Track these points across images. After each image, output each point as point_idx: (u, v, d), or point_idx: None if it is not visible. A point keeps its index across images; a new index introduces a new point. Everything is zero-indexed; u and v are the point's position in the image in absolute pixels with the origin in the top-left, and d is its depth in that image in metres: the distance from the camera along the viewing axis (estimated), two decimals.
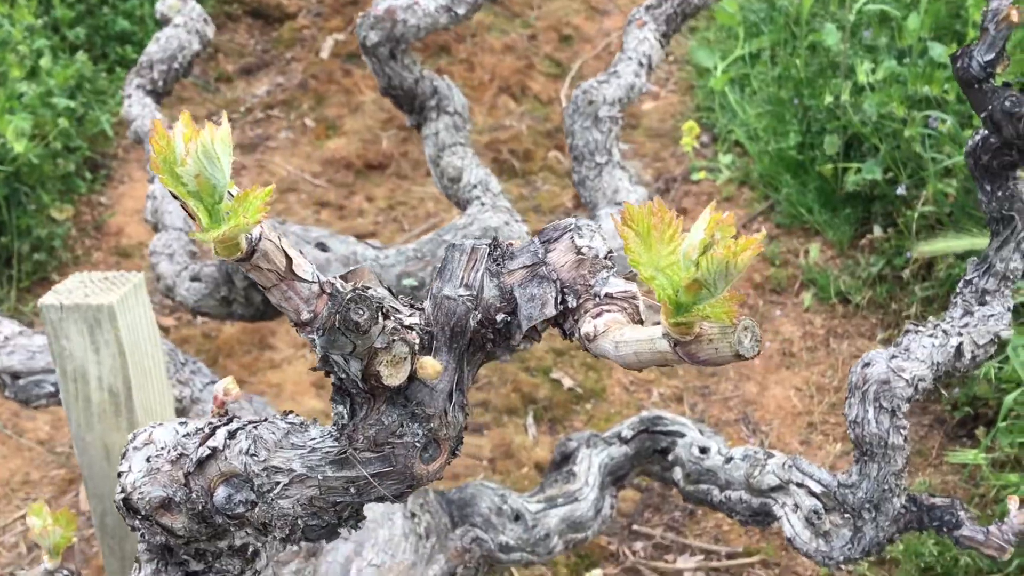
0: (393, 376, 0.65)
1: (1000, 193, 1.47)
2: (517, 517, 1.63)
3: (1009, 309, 1.49)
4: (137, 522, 0.74)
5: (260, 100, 4.31)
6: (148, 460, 0.74)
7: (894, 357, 1.42)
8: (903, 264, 3.28)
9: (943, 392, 3.00)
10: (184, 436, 0.75)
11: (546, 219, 3.84)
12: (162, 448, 0.75)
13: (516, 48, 4.60)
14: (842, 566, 1.50)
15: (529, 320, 0.69)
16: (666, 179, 4.11)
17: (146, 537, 0.75)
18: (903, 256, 3.26)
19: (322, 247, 1.66)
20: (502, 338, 0.71)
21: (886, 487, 1.38)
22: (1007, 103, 1.36)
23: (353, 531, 0.70)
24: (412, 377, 0.67)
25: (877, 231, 3.50)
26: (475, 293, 0.69)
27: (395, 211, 3.81)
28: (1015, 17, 1.35)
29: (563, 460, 1.74)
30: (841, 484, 1.47)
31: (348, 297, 0.61)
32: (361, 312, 0.61)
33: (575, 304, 0.67)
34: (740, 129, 4.10)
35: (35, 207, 3.21)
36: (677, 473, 1.65)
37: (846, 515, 1.45)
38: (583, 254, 0.67)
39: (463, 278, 0.69)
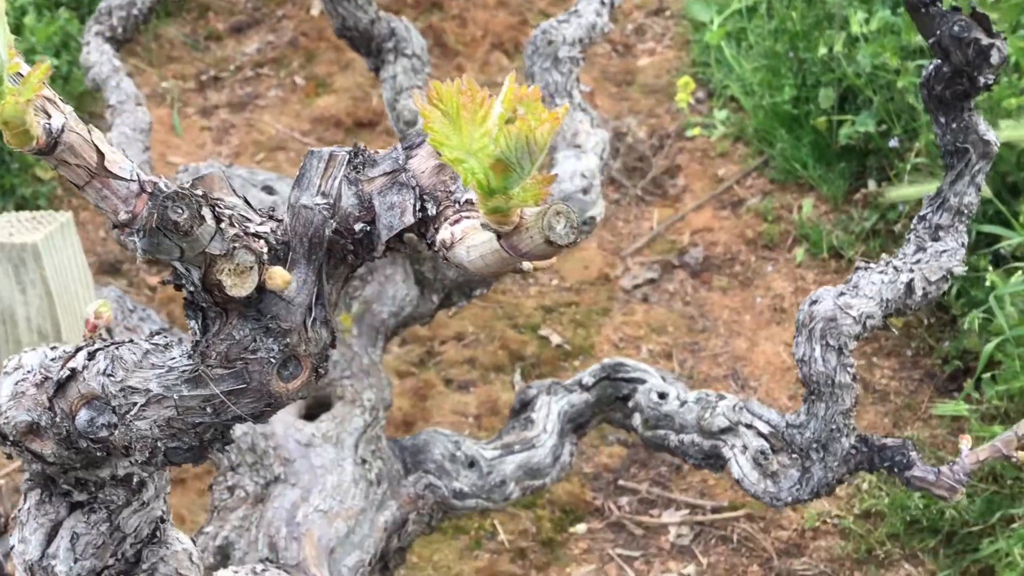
0: (238, 287, 0.62)
1: (955, 125, 1.42)
2: (472, 464, 1.61)
3: (963, 245, 1.45)
4: (8, 448, 0.73)
5: (250, 58, 4.27)
6: (16, 384, 0.72)
7: (842, 294, 1.39)
8: (896, 218, 3.23)
9: (933, 345, 2.96)
10: (51, 360, 0.73)
11: None
12: (29, 371, 0.73)
13: (509, 3, 4.54)
14: (796, 506, 1.46)
15: (389, 229, 0.66)
16: (660, 135, 4.05)
17: (27, 467, 0.73)
18: (897, 210, 3.20)
19: (268, 190, 1.63)
20: (364, 249, 0.67)
21: (834, 427, 1.35)
22: (955, 28, 1.31)
23: (222, 454, 0.68)
24: (263, 289, 0.64)
25: (872, 185, 3.44)
26: (332, 202, 0.66)
27: None
28: None
29: (522, 407, 1.72)
30: (789, 424, 1.44)
31: (167, 195, 0.58)
32: (180, 211, 0.58)
33: (435, 212, 0.64)
34: (736, 84, 4.03)
35: (19, 166, 3.20)
36: (636, 419, 1.63)
37: (794, 456, 1.42)
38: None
39: (320, 186, 0.66)
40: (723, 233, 3.54)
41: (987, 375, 2.49)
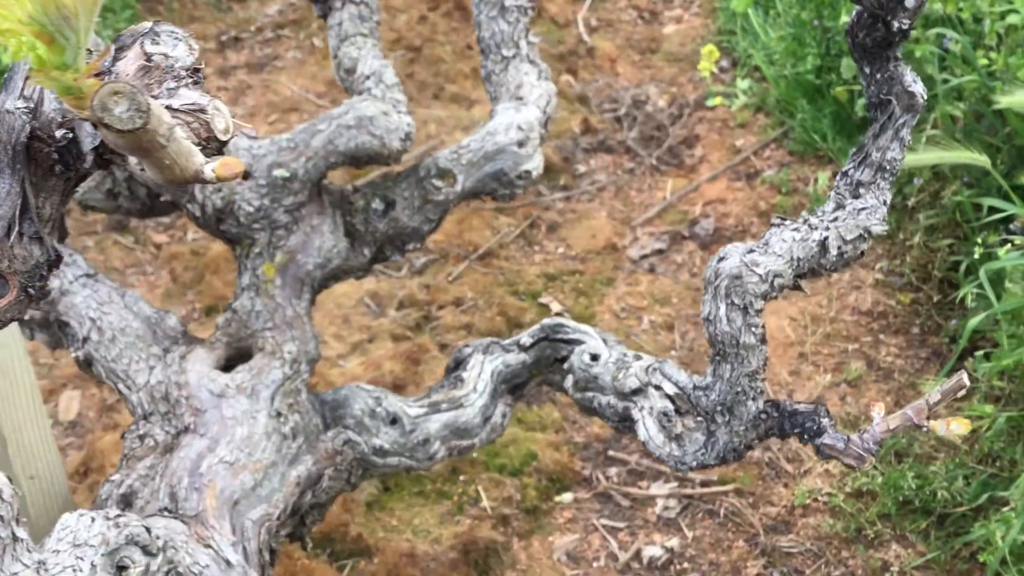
0: None
1: (879, 76, 1.35)
2: (394, 420, 1.59)
3: (885, 203, 1.39)
4: None
5: (271, 19, 4.26)
6: None
7: (751, 251, 1.33)
8: (913, 192, 3.14)
9: (941, 323, 2.88)
10: None
11: (551, 144, 3.75)
12: None
13: None
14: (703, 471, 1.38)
15: (92, 138, 0.62)
16: (680, 104, 3.98)
17: None
18: (913, 184, 3.11)
19: None
20: (73, 159, 0.64)
21: (739, 389, 1.30)
22: None
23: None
24: None
25: (950, 150, 3.34)
26: (33, 106, 0.63)
27: None
28: None
29: (456, 366, 1.68)
30: (696, 387, 1.39)
31: None
32: None
33: None
34: (760, 53, 3.94)
35: None
36: (568, 381, 1.59)
37: (699, 419, 1.37)
38: (152, 62, 0.60)
39: (23, 90, 0.63)
40: (736, 205, 3.47)
41: (979, 352, 2.41)
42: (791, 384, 2.85)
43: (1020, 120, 2.64)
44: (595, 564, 2.45)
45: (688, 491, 2.60)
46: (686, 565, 2.44)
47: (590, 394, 1.57)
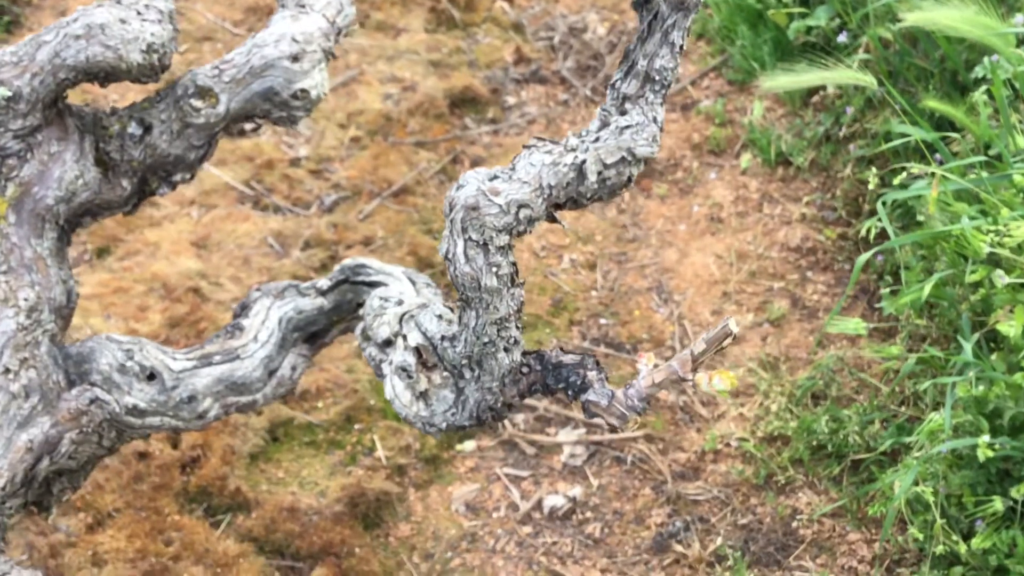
0: None
1: None
2: (152, 376, 1.43)
3: (656, 120, 1.22)
4: None
5: None
6: None
7: (494, 178, 1.16)
8: (851, 122, 2.98)
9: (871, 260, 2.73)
10: None
11: (480, 75, 3.57)
12: None
13: None
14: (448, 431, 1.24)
15: None
16: (619, 32, 3.79)
17: None
18: (846, 112, 2.95)
19: None
20: None
21: (487, 339, 1.15)
22: None
23: None
24: None
25: (830, 88, 3.18)
26: None
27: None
28: None
29: (241, 312, 1.53)
30: (443, 336, 1.23)
31: None
32: None
33: None
34: None
35: None
36: (358, 330, 1.43)
37: (446, 374, 1.22)
38: None
39: None
40: (669, 137, 3.31)
41: (887, 291, 2.28)
42: (712, 325, 2.72)
43: (950, 43, 2.48)
44: (494, 515, 2.34)
45: (596, 438, 2.48)
46: (588, 514, 2.33)
47: (364, 344, 1.41)
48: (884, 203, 1.98)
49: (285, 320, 1.49)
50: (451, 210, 1.14)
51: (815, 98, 3.21)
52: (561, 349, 1.20)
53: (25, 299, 1.36)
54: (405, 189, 3.09)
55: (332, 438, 2.41)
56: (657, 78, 1.22)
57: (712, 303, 2.78)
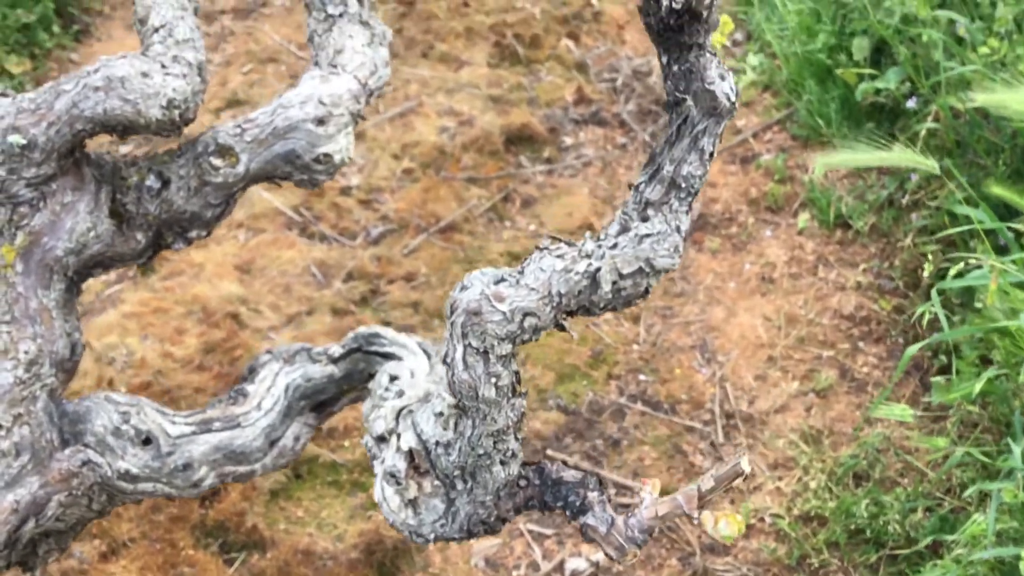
0: None
1: (676, 68, 1.11)
2: (147, 441, 1.38)
3: (678, 229, 1.14)
4: None
5: None
6: None
7: (500, 281, 1.09)
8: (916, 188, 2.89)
9: (925, 333, 2.63)
10: None
11: (539, 113, 3.53)
12: None
13: None
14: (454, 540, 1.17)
15: None
16: None
17: None
18: (910, 179, 2.86)
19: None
20: None
21: (481, 451, 1.08)
22: None
23: None
24: None
25: (897, 150, 3.08)
26: None
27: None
28: None
29: (249, 375, 1.48)
30: (438, 442, 1.16)
31: None
32: None
33: None
34: (772, 28, 3.67)
35: None
36: (366, 407, 1.37)
37: (437, 483, 1.15)
38: None
39: None
40: (727, 190, 3.24)
41: (939, 378, 2.18)
42: (755, 390, 2.64)
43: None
44: (514, 573, 2.28)
45: (626, 500, 2.40)
46: None
47: (365, 428, 1.35)
48: (940, 291, 1.89)
49: (293, 387, 1.45)
50: (452, 312, 1.08)
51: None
52: (564, 463, 1.14)
53: (26, 352, 1.33)
54: (453, 226, 3.05)
55: (355, 479, 2.36)
56: (683, 185, 1.16)
57: (757, 367, 2.69)
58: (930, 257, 1.94)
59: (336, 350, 1.48)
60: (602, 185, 3.32)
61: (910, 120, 2.99)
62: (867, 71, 3.11)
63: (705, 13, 1.07)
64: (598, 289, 1.10)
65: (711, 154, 1.18)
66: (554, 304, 1.09)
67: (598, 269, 1.09)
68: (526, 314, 1.07)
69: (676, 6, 1.05)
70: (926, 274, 1.86)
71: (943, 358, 2.47)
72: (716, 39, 3.96)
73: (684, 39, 1.10)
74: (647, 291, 1.19)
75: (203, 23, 3.89)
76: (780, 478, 2.40)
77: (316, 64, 1.49)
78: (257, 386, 1.45)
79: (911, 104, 2.79)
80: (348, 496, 2.34)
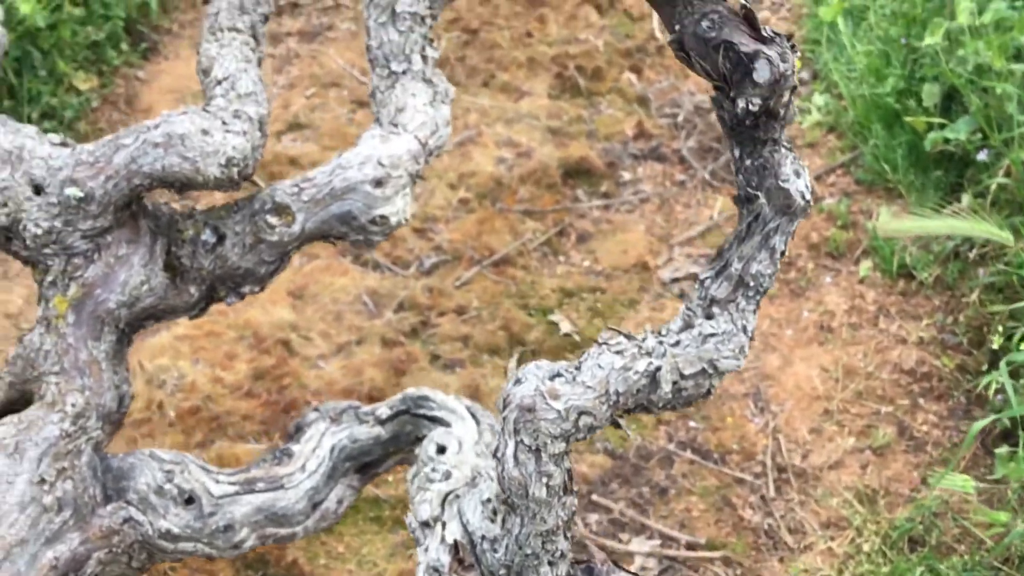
0: None
1: (749, 162, 1.06)
2: (189, 500, 1.36)
3: (745, 329, 1.08)
4: None
5: None
6: None
7: (556, 376, 1.04)
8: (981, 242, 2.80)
9: (988, 395, 2.55)
10: None
11: (598, 147, 3.50)
12: None
13: None
14: None
15: None
16: None
17: None
18: None
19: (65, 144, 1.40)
20: None
21: (529, 551, 1.03)
22: (704, 23, 0.95)
23: None
24: None
25: (965, 200, 3.00)
26: None
27: None
28: None
29: (296, 432, 1.45)
30: (484, 536, 1.12)
31: None
32: None
33: None
34: (842, 67, 3.61)
35: (47, 72, 3.11)
36: (411, 473, 1.33)
37: None
38: None
39: None
40: None
41: (1003, 449, 2.10)
42: (809, 444, 2.57)
43: None
44: None
45: (672, 552, 2.35)
46: None
47: (412, 508, 1.30)
48: (1009, 363, 1.82)
49: (338, 449, 1.42)
50: (505, 407, 1.04)
51: (946, 211, 3.04)
52: (614, 563, 1.10)
53: (73, 404, 1.32)
54: (506, 259, 3.03)
55: (398, 516, 2.34)
56: (752, 284, 1.11)
57: (811, 420, 2.63)
58: (1000, 329, 1.87)
59: (384, 411, 1.45)
60: (659, 223, 3.28)
61: (980, 172, 2.91)
62: (936, 119, 3.04)
63: (782, 112, 1.03)
64: (657, 389, 1.06)
65: (782, 252, 1.13)
66: (611, 403, 1.05)
67: (658, 368, 1.05)
68: (581, 413, 1.03)
69: (753, 108, 1.01)
70: (995, 345, 1.79)
71: (1006, 421, 2.39)
72: None
73: (759, 135, 1.06)
74: (709, 392, 1.15)
75: (269, 44, 3.92)
76: (832, 538, 2.34)
77: (377, 122, 1.47)
78: (303, 446, 1.43)
79: (982, 156, 2.71)
80: (389, 533, 2.32)
